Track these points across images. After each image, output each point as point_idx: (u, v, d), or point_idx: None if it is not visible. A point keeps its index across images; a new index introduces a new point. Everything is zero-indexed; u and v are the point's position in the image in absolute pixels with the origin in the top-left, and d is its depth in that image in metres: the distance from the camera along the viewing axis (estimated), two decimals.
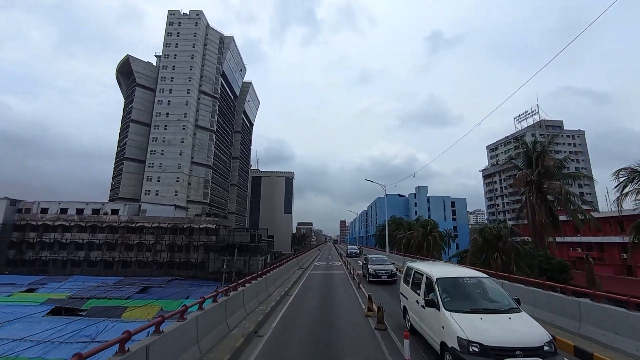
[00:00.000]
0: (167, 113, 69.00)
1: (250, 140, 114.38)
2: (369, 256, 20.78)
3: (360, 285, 15.94)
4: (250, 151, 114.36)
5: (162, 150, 67.17)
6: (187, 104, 69.61)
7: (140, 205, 47.20)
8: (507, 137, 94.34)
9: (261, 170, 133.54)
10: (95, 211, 45.71)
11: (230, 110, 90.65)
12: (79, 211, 45.31)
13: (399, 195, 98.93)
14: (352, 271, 21.11)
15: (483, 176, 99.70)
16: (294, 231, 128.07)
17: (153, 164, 66.45)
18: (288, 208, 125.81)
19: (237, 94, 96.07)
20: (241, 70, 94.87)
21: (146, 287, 33.17)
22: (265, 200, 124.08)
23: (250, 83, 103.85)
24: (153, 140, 67.60)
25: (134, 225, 45.73)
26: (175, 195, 65.32)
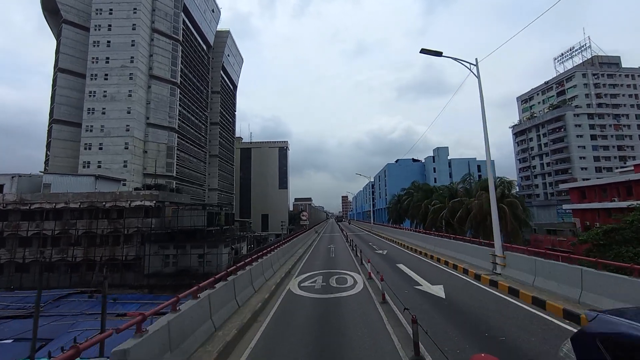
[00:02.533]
0: (107, 58, 50.82)
1: (234, 104, 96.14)
2: None
3: None
4: (234, 117, 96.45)
5: (103, 108, 49.69)
6: (133, 45, 51.24)
7: (42, 178, 30.82)
8: (546, 83, 75.72)
9: (251, 141, 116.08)
10: None
11: (202, 62, 71.97)
12: None
13: (413, 159, 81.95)
14: None
15: (514, 133, 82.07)
16: (291, 208, 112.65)
17: (91, 126, 49.20)
18: (283, 183, 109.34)
19: (211, 43, 76.81)
20: (213, 12, 75.04)
21: None
22: (256, 175, 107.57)
23: (228, 32, 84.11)
24: (90, 95, 49.94)
25: (28, 207, 29.33)
26: (124, 166, 48.65)
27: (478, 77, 10.59)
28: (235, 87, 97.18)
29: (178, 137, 57.47)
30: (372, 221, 50.02)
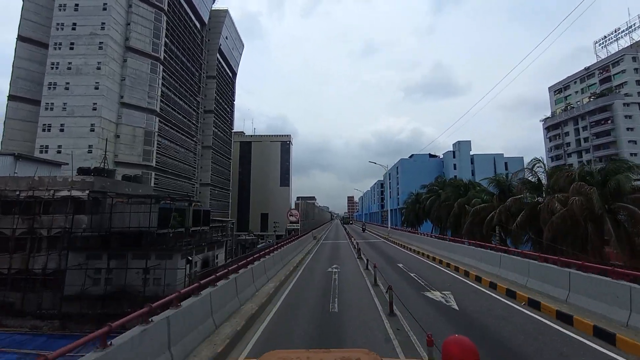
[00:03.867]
0: (74, 24, 42.58)
1: (232, 93, 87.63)
2: None
3: None
4: (233, 107, 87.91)
5: (67, 83, 41.40)
6: (105, 9, 42.86)
7: None
8: (587, 69, 65.43)
9: (252, 135, 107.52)
10: None
11: (193, 40, 63.51)
12: None
13: (430, 155, 72.20)
14: None
15: (545, 128, 71.85)
16: (293, 207, 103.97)
17: (52, 104, 40.95)
18: (285, 180, 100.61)
19: (205, 20, 68.38)
20: None
21: None
22: (256, 171, 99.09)
23: (226, 11, 75.56)
24: (52, 67, 41.71)
25: None
26: (89, 152, 40.29)
27: None
28: (234, 74, 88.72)
29: (160, 121, 48.98)
30: (388, 225, 39.94)
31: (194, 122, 63.42)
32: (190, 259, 18.92)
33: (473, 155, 66.19)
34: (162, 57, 49.36)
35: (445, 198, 33.29)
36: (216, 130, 73.53)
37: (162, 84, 49.85)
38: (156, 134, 47.85)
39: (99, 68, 41.74)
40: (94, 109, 40.97)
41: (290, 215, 28.57)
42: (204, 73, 69.87)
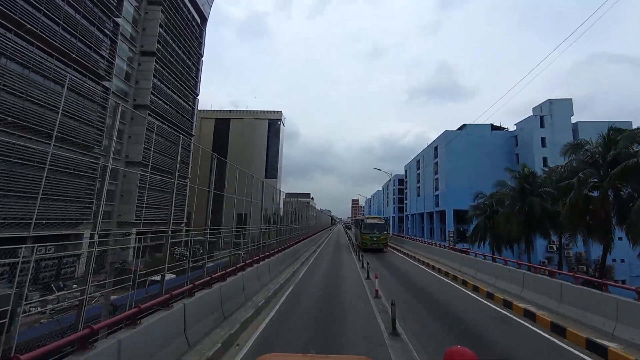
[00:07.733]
0: None
1: (199, 44, 61.40)
2: None
3: None
4: (199, 64, 61.51)
5: None
6: None
7: None
8: None
9: (231, 110, 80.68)
10: None
11: None
12: None
13: (494, 127, 44.20)
14: None
15: None
16: (281, 205, 77.85)
17: None
18: (273, 170, 73.59)
19: None
20: None
21: None
22: (235, 157, 72.18)
23: None
24: None
25: None
26: None
27: None
28: (203, 18, 62.48)
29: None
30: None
31: (105, 54, 36.80)
32: None
33: (577, 123, 38.27)
34: None
35: None
36: (161, 84, 47.10)
37: None
38: None
39: None
40: None
41: None
42: None
